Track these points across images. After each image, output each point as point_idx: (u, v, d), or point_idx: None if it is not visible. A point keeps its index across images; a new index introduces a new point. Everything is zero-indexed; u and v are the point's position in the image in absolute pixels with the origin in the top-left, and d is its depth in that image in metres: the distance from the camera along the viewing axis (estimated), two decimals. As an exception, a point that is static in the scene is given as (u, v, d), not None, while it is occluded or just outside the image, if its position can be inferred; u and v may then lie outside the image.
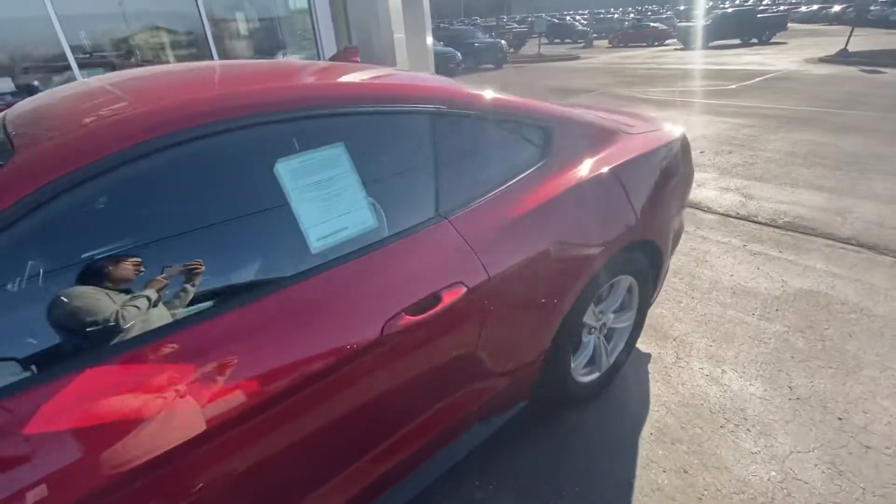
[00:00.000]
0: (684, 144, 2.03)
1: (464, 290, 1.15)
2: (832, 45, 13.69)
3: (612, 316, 1.84)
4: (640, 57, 16.74)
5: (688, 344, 2.20)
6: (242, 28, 6.49)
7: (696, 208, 3.74)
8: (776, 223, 3.39)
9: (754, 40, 17.78)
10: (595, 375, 1.85)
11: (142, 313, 0.82)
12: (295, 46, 6.94)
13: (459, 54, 15.07)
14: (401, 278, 1.07)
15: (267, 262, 0.96)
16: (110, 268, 0.82)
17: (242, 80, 1.19)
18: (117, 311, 0.80)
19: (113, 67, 5.32)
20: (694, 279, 2.74)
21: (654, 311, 2.44)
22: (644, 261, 1.79)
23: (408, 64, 8.76)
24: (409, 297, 1.06)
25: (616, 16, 34.47)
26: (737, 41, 18.04)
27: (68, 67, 4.91)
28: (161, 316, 0.84)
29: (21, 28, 4.82)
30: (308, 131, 1.01)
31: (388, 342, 1.02)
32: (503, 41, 17.38)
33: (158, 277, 0.85)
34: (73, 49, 4.91)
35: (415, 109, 1.18)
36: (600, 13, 36.34)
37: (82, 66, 5.02)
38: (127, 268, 0.83)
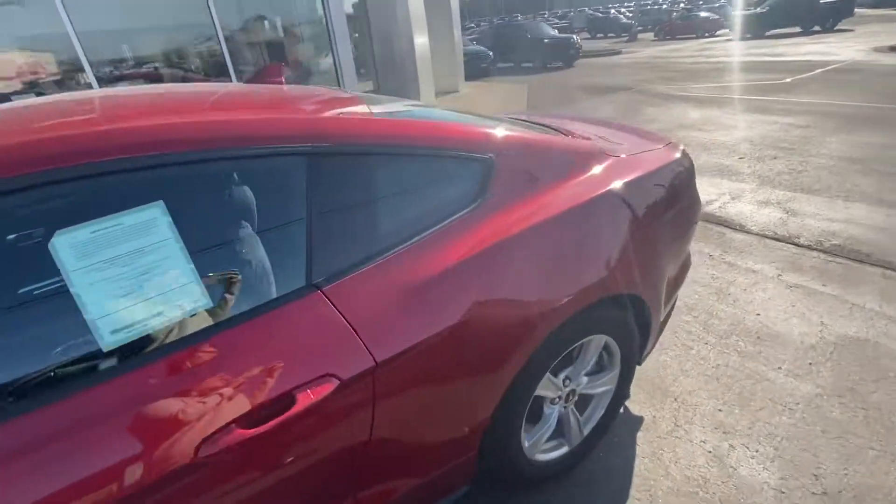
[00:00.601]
0: (685, 167, 1.67)
1: (334, 384, 0.89)
2: (910, 30, 12.21)
3: (584, 380, 1.52)
4: (686, 50, 15.68)
5: (691, 406, 1.82)
6: (260, 39, 6.50)
7: (726, 226, 3.27)
8: (822, 246, 2.88)
9: (816, 28, 16.19)
10: (563, 451, 1.54)
11: None
12: (315, 56, 6.88)
13: (491, 53, 14.68)
14: (236, 377, 0.83)
15: (32, 360, 0.74)
16: None
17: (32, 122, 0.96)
18: None
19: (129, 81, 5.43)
20: (711, 318, 2.33)
21: (656, 359, 2.07)
22: (624, 317, 1.46)
23: (431, 67, 8.56)
24: (242, 404, 0.81)
25: (664, 6, 32.73)
26: (797, 29, 16.51)
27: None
28: None
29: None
30: (105, 189, 0.78)
31: (211, 463, 0.78)
32: (574, 36, 15.31)
33: None
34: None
35: (280, 151, 0.93)
36: (647, 5, 34.60)
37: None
38: None
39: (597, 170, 1.42)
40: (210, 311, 0.85)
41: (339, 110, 1.17)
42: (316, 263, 0.95)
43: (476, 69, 13.90)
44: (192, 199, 0.88)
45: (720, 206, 3.58)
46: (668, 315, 1.83)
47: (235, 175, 0.91)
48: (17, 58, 4.92)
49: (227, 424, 0.80)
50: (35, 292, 0.75)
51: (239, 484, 0.85)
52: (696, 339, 2.19)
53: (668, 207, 1.54)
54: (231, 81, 5.82)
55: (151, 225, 0.79)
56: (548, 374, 1.34)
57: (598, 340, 1.44)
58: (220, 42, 5.63)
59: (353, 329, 0.94)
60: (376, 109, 1.29)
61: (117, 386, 0.76)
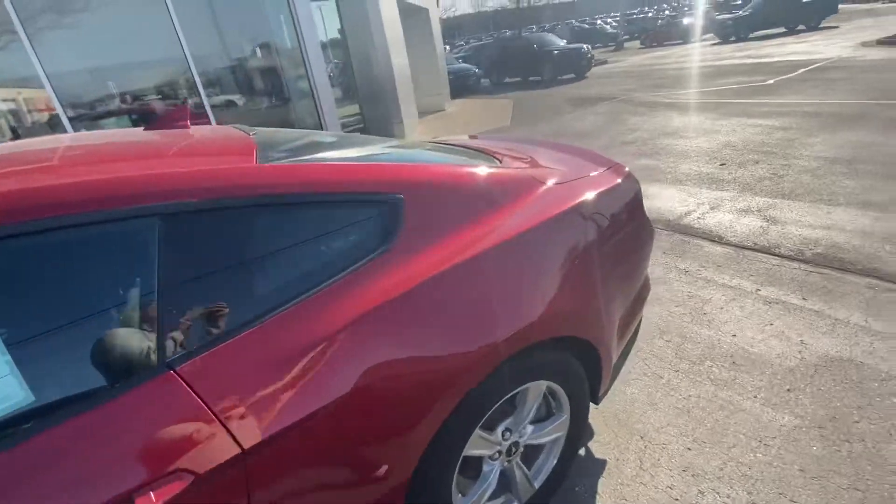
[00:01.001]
0: (630, 191, 1.56)
1: (187, 482, 0.77)
2: (894, 25, 12.20)
3: (529, 429, 1.38)
4: (671, 56, 15.75)
5: (658, 445, 1.68)
6: (236, 72, 6.51)
7: (704, 238, 3.14)
8: (803, 256, 2.75)
9: (801, 27, 16.26)
10: (512, 508, 1.40)
11: None
12: (294, 83, 6.88)
13: (476, 69, 14.79)
14: (58, 482, 0.71)
15: None
16: None
17: None
18: None
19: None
20: (685, 341, 2.19)
21: (622, 392, 1.93)
22: (566, 360, 1.33)
23: (412, 88, 8.57)
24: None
25: (650, 14, 33.14)
26: (781, 30, 16.58)
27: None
28: None
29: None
30: None
31: None
32: (586, 46, 14.17)
33: None
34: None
35: (122, 214, 0.83)
36: (632, 14, 35.02)
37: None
38: None
39: (526, 201, 1.31)
40: (32, 407, 0.73)
41: (219, 158, 1.07)
42: (169, 339, 0.83)
43: (463, 87, 14.00)
44: (14, 276, 0.77)
45: (698, 217, 3.46)
46: (630, 345, 1.70)
47: (68, 244, 0.80)
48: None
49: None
50: None
51: None
52: (667, 367, 2.05)
53: (611, 237, 1.43)
54: (206, 112, 5.81)
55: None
56: (478, 431, 1.20)
57: (537, 387, 1.31)
58: (193, 75, 5.63)
59: (212, 413, 0.81)
60: (281, 154, 1.19)
61: None
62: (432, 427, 1.05)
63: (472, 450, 1.22)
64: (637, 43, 23.52)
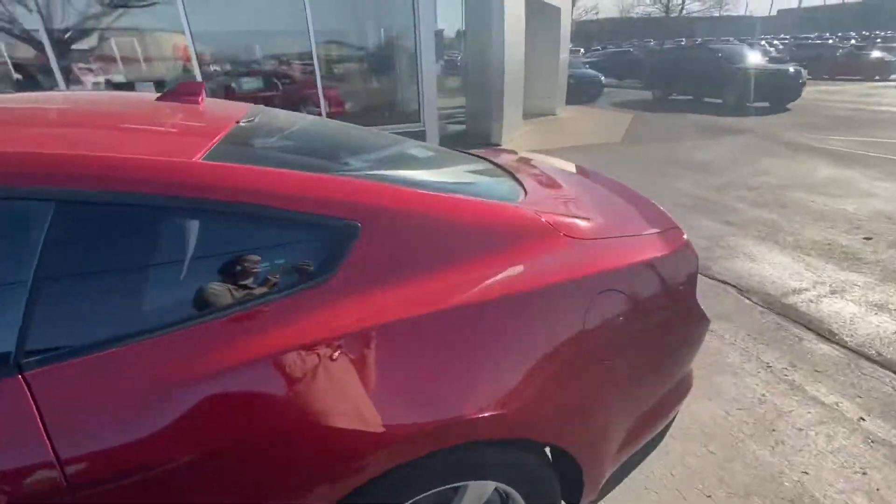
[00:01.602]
0: (681, 269, 1.21)
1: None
2: None
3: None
4: (843, 93, 13.31)
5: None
6: (349, 51, 6.74)
7: (809, 328, 2.50)
8: (949, 390, 2.04)
9: None
10: None
11: None
12: (402, 73, 6.95)
13: (601, 77, 13.89)
14: None
15: None
16: None
17: None
18: None
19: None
20: (733, 460, 1.72)
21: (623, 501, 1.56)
22: (527, 464, 1.06)
23: (523, 88, 8.25)
24: None
25: (830, 41, 28.40)
26: None
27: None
28: None
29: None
30: None
31: None
32: (795, 66, 10.95)
33: None
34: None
35: (12, 193, 0.75)
36: (807, 38, 30.29)
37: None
38: None
39: (524, 253, 1.04)
40: None
41: (166, 145, 0.97)
42: (31, 337, 0.75)
43: (583, 94, 13.26)
44: None
45: (810, 300, 2.78)
46: (651, 447, 1.35)
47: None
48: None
49: None
50: None
51: None
52: (696, 487, 1.62)
53: (633, 322, 1.10)
54: (317, 86, 6.11)
55: None
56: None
57: (480, 487, 1.06)
58: (311, 49, 5.94)
59: (46, 433, 0.72)
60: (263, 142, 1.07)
61: None
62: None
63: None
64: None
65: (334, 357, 0.85)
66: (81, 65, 5.43)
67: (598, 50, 28.39)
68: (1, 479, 0.70)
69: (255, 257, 0.89)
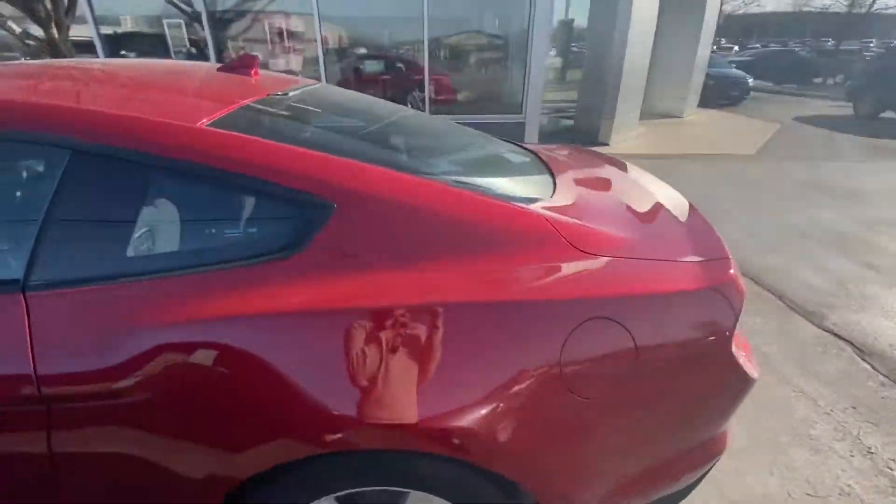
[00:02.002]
0: (717, 309, 0.99)
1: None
2: None
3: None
4: None
5: None
6: (460, 38, 6.74)
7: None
8: None
9: None
10: None
11: None
12: (511, 64, 6.77)
13: (749, 79, 12.13)
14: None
15: None
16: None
17: None
18: None
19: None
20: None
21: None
22: (474, 487, 0.96)
23: (643, 86, 7.56)
24: None
25: None
26: None
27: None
28: None
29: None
30: None
31: None
32: None
33: None
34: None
35: (38, 138, 0.87)
36: None
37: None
38: None
39: (519, 261, 0.94)
40: None
41: (183, 108, 1.03)
42: (38, 263, 0.86)
43: (722, 96, 11.75)
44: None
45: (961, 381, 2.13)
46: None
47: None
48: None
49: None
50: None
51: None
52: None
53: (638, 363, 0.92)
54: (424, 70, 6.25)
55: None
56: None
57: (422, 499, 0.99)
58: (423, 35, 6.07)
59: (31, 346, 0.83)
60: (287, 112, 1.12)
61: None
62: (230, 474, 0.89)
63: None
64: None
65: (279, 333, 0.85)
66: (231, 43, 6.23)
67: (755, 48, 24.81)
68: None
69: (231, 222, 0.92)
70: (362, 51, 6.50)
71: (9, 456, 0.89)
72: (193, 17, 6.04)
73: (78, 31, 5.47)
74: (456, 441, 0.87)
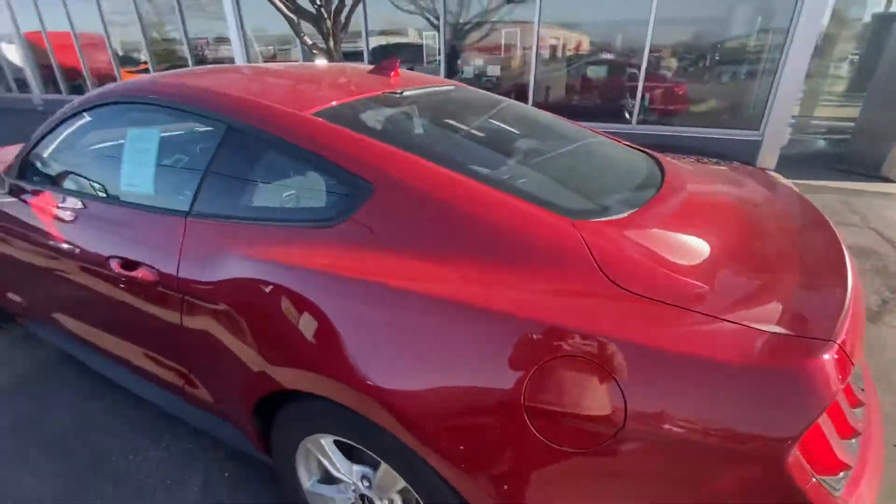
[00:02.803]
0: (766, 401, 0.74)
1: (150, 271, 1.27)
2: None
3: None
4: None
5: None
6: (689, 42, 5.86)
7: None
8: None
9: None
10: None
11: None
12: (751, 73, 5.60)
13: None
14: (129, 237, 1.34)
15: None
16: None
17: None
18: None
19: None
20: None
21: None
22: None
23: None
24: (123, 252, 1.34)
25: None
26: None
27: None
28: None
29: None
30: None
31: (125, 282, 1.36)
32: None
33: None
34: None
35: (211, 116, 1.27)
36: None
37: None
38: None
39: (535, 278, 0.89)
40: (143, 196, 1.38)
41: (309, 101, 1.31)
42: (197, 204, 1.26)
43: None
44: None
45: None
46: None
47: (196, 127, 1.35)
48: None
49: (116, 257, 1.35)
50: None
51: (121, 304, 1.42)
52: None
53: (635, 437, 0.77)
54: (638, 84, 5.75)
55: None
56: (324, 439, 1.14)
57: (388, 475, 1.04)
58: (646, 40, 5.57)
59: (180, 251, 1.23)
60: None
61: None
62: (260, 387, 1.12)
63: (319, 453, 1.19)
64: None
65: (323, 287, 1.01)
66: (460, 52, 6.98)
67: None
68: (153, 257, 1.27)
69: (305, 190, 1.16)
70: (584, 55, 6.31)
71: (157, 319, 1.33)
72: (436, 29, 7.00)
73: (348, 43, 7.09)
74: (406, 418, 0.90)
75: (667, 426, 0.74)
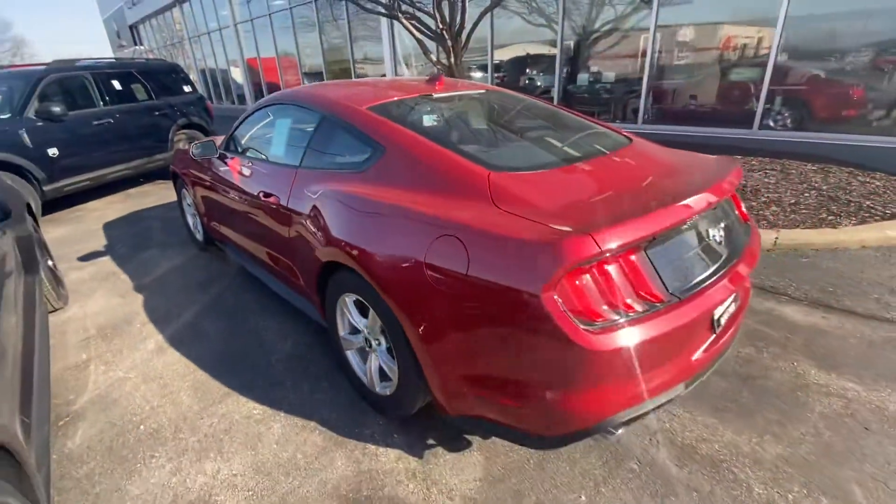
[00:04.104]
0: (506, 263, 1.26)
1: (278, 199, 2.20)
2: None
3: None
4: None
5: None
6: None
7: None
8: None
9: None
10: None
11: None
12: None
13: None
14: (270, 180, 2.31)
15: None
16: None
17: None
18: None
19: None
20: None
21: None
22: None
23: None
24: (266, 189, 2.31)
25: None
26: None
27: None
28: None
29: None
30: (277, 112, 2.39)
31: (267, 208, 2.35)
32: None
33: None
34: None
35: (317, 111, 2.16)
36: None
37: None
38: None
39: (453, 200, 1.56)
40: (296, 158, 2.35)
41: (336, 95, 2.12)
42: (304, 161, 2.16)
43: None
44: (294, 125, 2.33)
45: None
46: None
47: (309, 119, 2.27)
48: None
49: (265, 192, 2.35)
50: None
51: (270, 222, 2.42)
52: None
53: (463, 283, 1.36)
54: (762, 89, 5.36)
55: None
56: (348, 297, 1.90)
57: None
58: (773, 42, 5.20)
59: (291, 188, 2.14)
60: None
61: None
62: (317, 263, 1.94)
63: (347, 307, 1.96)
64: None
65: (360, 204, 1.80)
66: (587, 63, 7.30)
67: None
68: (274, 188, 2.21)
69: (355, 154, 1.96)
70: (705, 60, 6.14)
71: (279, 231, 2.26)
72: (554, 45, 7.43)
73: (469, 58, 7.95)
74: (377, 274, 1.61)
75: (486, 275, 1.31)
